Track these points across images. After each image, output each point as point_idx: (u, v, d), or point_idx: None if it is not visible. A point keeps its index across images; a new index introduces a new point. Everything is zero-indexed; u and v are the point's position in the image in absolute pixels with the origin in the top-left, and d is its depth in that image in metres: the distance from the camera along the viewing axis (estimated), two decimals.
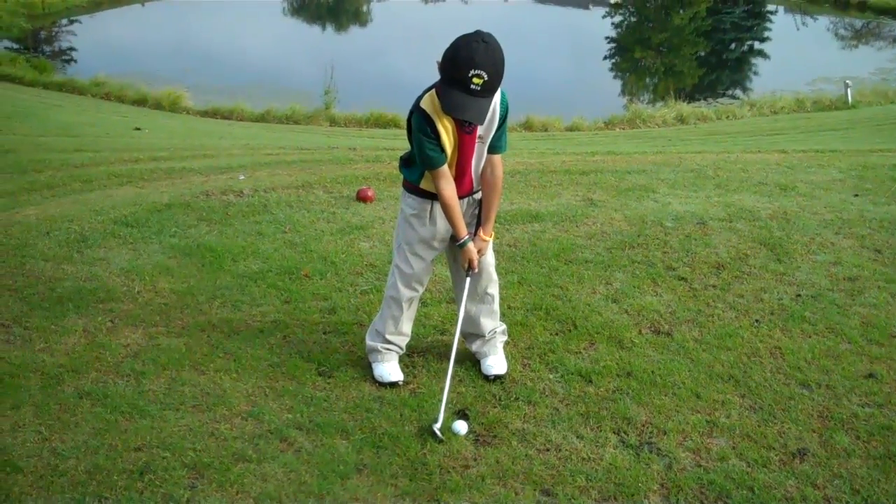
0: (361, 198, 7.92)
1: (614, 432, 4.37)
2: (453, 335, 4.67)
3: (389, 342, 4.77)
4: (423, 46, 30.82)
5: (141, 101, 22.62)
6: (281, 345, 5.12)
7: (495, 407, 4.54)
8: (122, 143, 12.62)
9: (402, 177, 4.62)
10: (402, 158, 4.60)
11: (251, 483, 3.86)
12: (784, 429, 4.41)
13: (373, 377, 4.77)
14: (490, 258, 4.77)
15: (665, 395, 4.69)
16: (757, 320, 5.56)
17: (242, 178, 8.72)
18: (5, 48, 28.66)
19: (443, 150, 4.25)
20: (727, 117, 23.30)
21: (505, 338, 5.03)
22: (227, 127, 19.42)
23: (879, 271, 6.33)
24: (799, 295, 5.93)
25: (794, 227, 7.26)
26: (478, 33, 3.99)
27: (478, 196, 4.62)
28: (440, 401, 4.37)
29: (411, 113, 4.26)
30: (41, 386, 4.55)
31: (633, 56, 34.01)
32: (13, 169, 9.22)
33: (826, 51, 33.95)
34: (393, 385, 4.70)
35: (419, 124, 4.20)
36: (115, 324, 5.27)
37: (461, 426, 4.26)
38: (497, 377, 4.79)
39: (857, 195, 8.38)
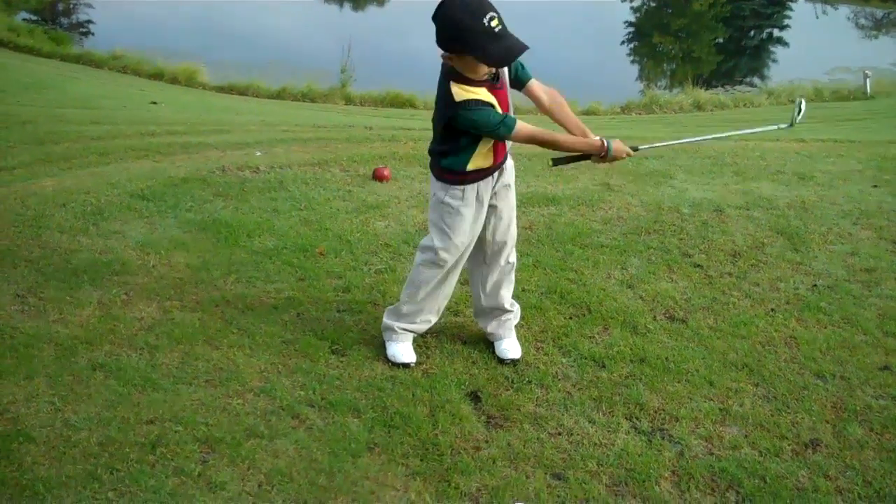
0: (377, 177, 7.90)
1: (626, 418, 4.36)
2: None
3: (418, 322, 4.77)
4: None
5: (158, 76, 22.59)
6: (294, 322, 5.12)
7: (508, 390, 4.54)
8: (139, 116, 12.59)
9: (434, 170, 4.48)
10: (434, 153, 4.44)
11: (262, 459, 3.87)
12: (797, 419, 4.40)
13: (385, 356, 4.76)
14: (514, 226, 4.72)
15: (678, 382, 4.68)
16: (772, 309, 5.54)
17: (259, 154, 8.70)
18: (23, 19, 28.64)
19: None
20: (745, 105, 23.16)
21: (518, 318, 5.00)
22: (244, 103, 19.39)
23: None
24: (815, 285, 5.90)
25: (812, 217, 7.22)
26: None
27: (506, 163, 4.53)
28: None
29: (453, 118, 4.10)
30: (55, 357, 4.56)
31: (651, 41, 33.83)
32: (30, 140, 9.21)
33: (846, 40, 33.68)
34: (405, 366, 4.68)
35: (474, 108, 4.04)
36: (130, 297, 5.28)
37: None
38: (513, 361, 4.77)
39: (875, 186, 8.32)
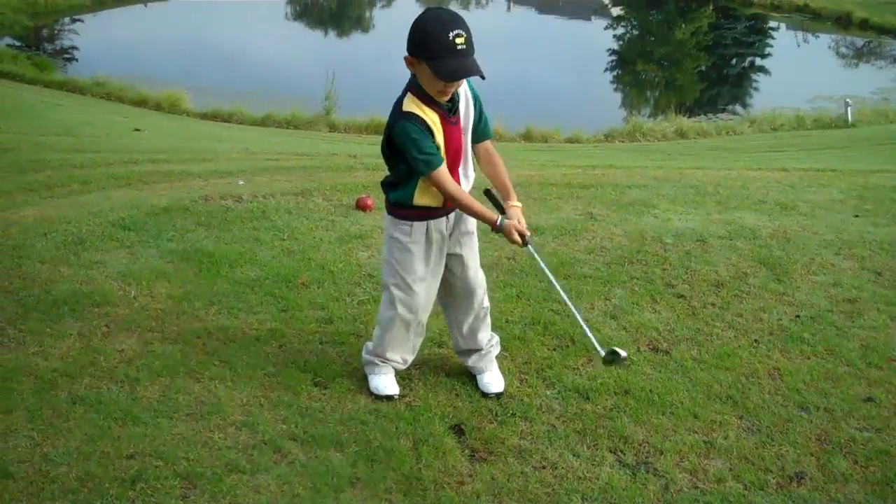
0: (361, 206, 7.89)
1: (611, 451, 4.33)
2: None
3: (389, 360, 4.73)
4: None
5: (141, 102, 22.62)
6: (277, 354, 5.08)
7: (492, 423, 4.51)
8: (122, 144, 12.58)
9: (385, 205, 4.51)
10: (385, 185, 4.46)
11: (244, 494, 3.83)
12: (782, 451, 4.39)
13: (368, 389, 4.73)
14: (481, 274, 4.73)
15: (662, 415, 4.66)
16: (756, 340, 5.54)
17: (242, 183, 8.68)
18: (7, 45, 28.64)
19: (438, 147, 4.13)
20: (727, 133, 23.36)
21: (498, 349, 4.97)
22: (227, 130, 19.40)
23: (879, 293, 6.31)
24: (798, 315, 5.91)
25: (795, 247, 7.24)
26: (429, 8, 4.10)
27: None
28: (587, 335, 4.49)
29: (391, 126, 4.14)
30: (34, 390, 4.51)
31: (634, 69, 34.09)
32: (12, 168, 9.19)
33: (827, 69, 34.01)
34: (389, 398, 4.65)
35: (410, 128, 4.06)
36: (111, 328, 5.23)
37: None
38: (496, 394, 4.74)
39: (857, 216, 8.37)
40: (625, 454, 4.31)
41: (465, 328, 4.74)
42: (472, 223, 4.58)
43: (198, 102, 22.69)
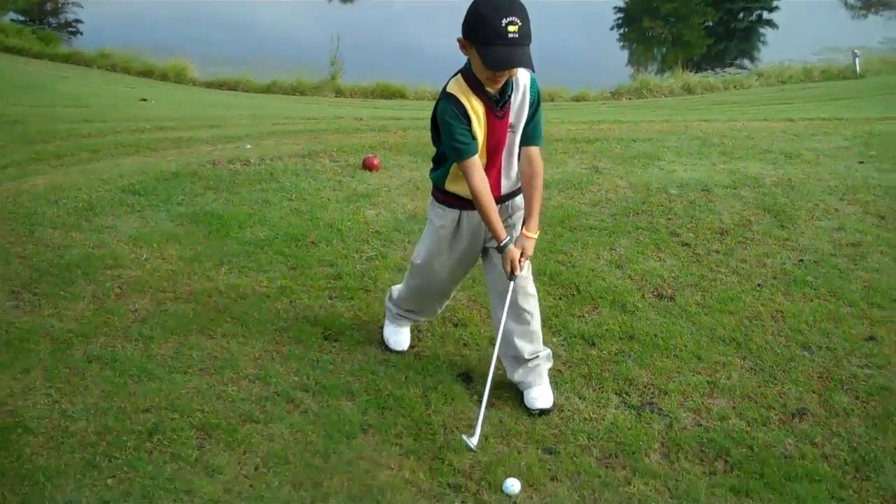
0: (367, 166, 7.96)
1: (616, 393, 4.42)
2: (492, 351, 4.14)
3: (414, 313, 4.73)
4: (430, 15, 30.77)
5: (147, 73, 22.64)
6: (287, 310, 5.17)
7: (499, 369, 4.57)
8: (129, 113, 12.63)
9: (424, 184, 4.38)
10: (432, 161, 4.28)
11: (258, 443, 3.93)
12: (784, 389, 4.47)
13: (381, 337, 4.83)
14: (526, 271, 4.29)
15: (667, 358, 4.75)
16: (759, 284, 5.61)
17: (249, 147, 8.76)
18: (11, 20, 28.63)
19: (474, 138, 3.91)
20: (735, 87, 23.26)
21: (550, 364, 4.50)
22: (233, 98, 19.43)
23: (882, 237, 6.36)
24: (802, 260, 5.97)
25: (798, 194, 7.29)
26: None
27: (510, 203, 4.27)
28: (478, 414, 3.95)
29: (437, 103, 3.95)
30: (50, 350, 4.60)
31: (641, 26, 33.88)
32: (21, 139, 9.27)
33: (835, 20, 33.73)
34: (398, 352, 4.72)
35: (447, 110, 3.87)
36: (123, 290, 5.33)
37: (514, 485, 3.72)
38: (542, 412, 4.30)
39: (861, 162, 8.40)
40: (630, 396, 4.40)
41: (502, 328, 4.20)
42: (518, 220, 4.29)
43: (203, 71, 22.71)
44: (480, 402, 3.95)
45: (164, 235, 6.16)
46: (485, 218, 4.03)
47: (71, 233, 6.16)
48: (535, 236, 4.16)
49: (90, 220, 6.40)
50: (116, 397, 4.21)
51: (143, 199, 6.90)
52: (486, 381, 3.97)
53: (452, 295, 4.77)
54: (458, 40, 3.81)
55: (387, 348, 4.75)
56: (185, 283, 5.46)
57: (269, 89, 21.75)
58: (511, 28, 3.63)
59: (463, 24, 3.76)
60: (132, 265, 5.67)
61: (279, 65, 22.59)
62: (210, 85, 22.03)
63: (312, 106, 17.67)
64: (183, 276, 5.54)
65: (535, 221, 4.14)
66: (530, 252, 4.15)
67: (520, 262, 4.07)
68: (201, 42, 25.57)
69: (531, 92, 4.01)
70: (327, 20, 30.74)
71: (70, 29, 30.25)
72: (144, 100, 15.46)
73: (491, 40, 3.66)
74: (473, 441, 3.81)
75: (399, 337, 4.77)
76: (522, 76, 3.97)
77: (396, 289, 4.79)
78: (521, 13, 3.66)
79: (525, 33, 3.67)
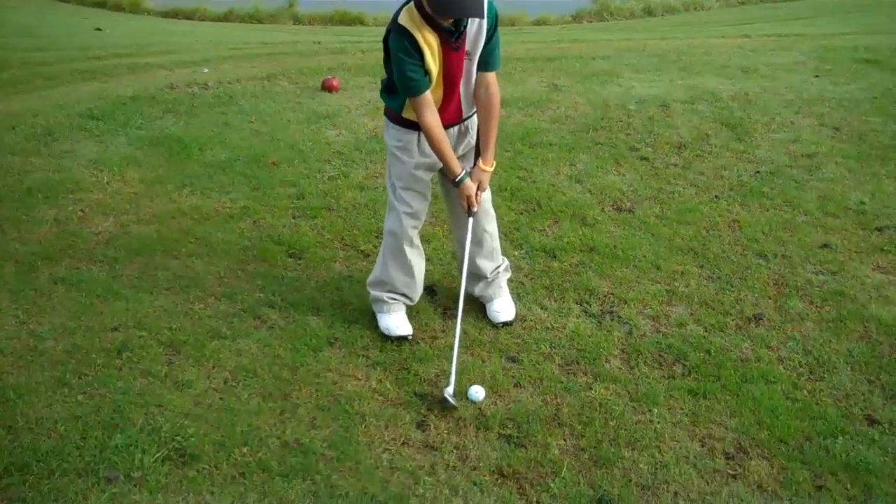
0: (327, 87, 7.93)
1: (577, 303, 4.51)
2: (458, 281, 4.13)
3: (398, 293, 4.27)
4: None
5: (101, 3, 22.20)
6: (251, 229, 5.20)
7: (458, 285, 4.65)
8: (84, 42, 12.44)
9: (383, 104, 4.15)
10: (382, 83, 4.10)
11: (227, 357, 3.98)
12: (740, 296, 4.58)
13: (377, 324, 4.37)
14: (486, 192, 4.19)
15: (626, 268, 4.84)
16: (716, 196, 5.70)
17: (206, 71, 8.68)
18: None
19: (426, 73, 3.71)
20: (695, 8, 23.22)
21: (508, 274, 4.54)
22: (190, 26, 19.13)
23: (837, 148, 6.47)
24: (758, 172, 6.07)
25: (755, 108, 7.37)
26: None
27: (469, 123, 4.10)
28: (451, 363, 3.87)
29: (388, 33, 3.73)
30: (15, 273, 4.61)
31: None
32: None
33: None
34: (402, 339, 4.23)
35: (398, 43, 3.65)
36: (86, 213, 5.32)
37: (479, 392, 3.79)
38: (505, 324, 4.35)
39: (817, 76, 8.49)
40: (590, 305, 4.49)
41: (465, 250, 4.15)
42: (468, 154, 4.17)
43: (158, 0, 22.28)
44: (452, 347, 3.91)
45: (124, 159, 6.13)
46: (438, 154, 3.90)
47: (30, 158, 6.11)
48: (491, 169, 4.07)
49: (49, 146, 6.36)
50: (84, 317, 4.24)
51: (102, 124, 6.84)
52: (457, 316, 3.97)
53: (421, 249, 4.32)
54: None
55: (390, 338, 4.23)
56: (148, 205, 5.46)
57: (226, 17, 21.44)
58: None
59: None
60: (93, 189, 5.65)
61: None
62: (166, 14, 21.66)
63: (270, 33, 17.44)
64: (145, 199, 5.54)
65: (490, 154, 4.04)
66: (486, 185, 4.08)
67: (476, 196, 4.01)
68: None
69: (488, 18, 3.76)
70: None
71: None
72: (99, 29, 15.19)
73: None
74: (449, 390, 3.76)
75: (397, 321, 4.28)
76: None
77: (371, 279, 4.39)
78: None
79: None
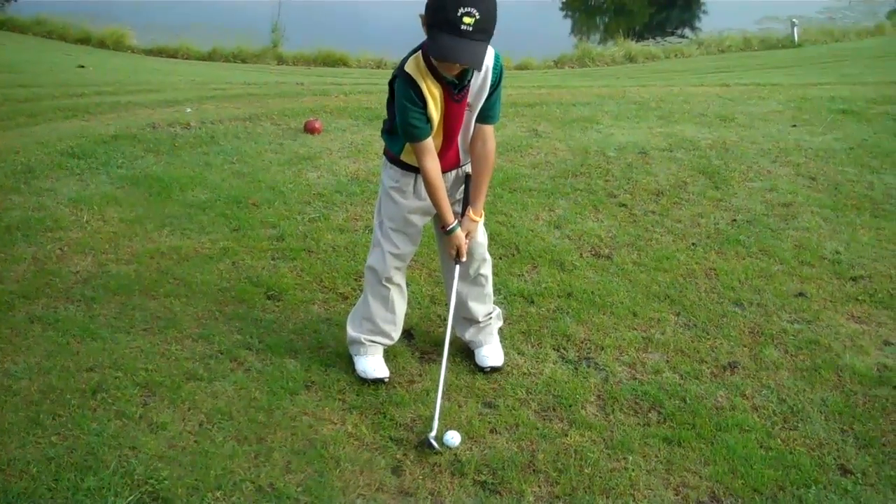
0: (309, 129, 7.97)
1: (554, 349, 4.53)
2: (445, 323, 4.15)
3: (377, 331, 4.26)
4: None
5: (84, 40, 22.20)
6: (230, 270, 5.20)
7: (440, 327, 4.66)
8: (66, 79, 12.45)
9: (384, 144, 4.14)
10: (384, 124, 4.10)
11: (202, 400, 3.97)
12: (716, 344, 4.61)
13: (347, 353, 4.40)
14: (482, 237, 4.25)
15: (603, 314, 4.87)
16: (693, 244, 5.75)
17: (189, 111, 8.71)
18: None
19: (428, 120, 3.74)
20: (675, 56, 23.50)
21: (500, 323, 4.57)
22: (173, 65, 19.17)
23: (813, 197, 6.55)
24: (735, 220, 6.13)
25: (733, 156, 7.47)
26: None
27: (465, 169, 4.12)
28: (434, 407, 3.85)
29: (394, 78, 3.77)
30: None
31: None
32: None
33: None
34: (378, 381, 4.21)
35: (403, 90, 3.69)
36: (64, 252, 5.31)
37: (454, 437, 3.78)
38: (493, 369, 4.35)
39: (794, 126, 8.61)
40: (567, 351, 4.51)
41: (458, 295, 4.22)
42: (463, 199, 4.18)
43: (142, 38, 22.33)
44: (435, 390, 3.90)
45: (104, 198, 6.13)
46: (433, 200, 3.93)
47: (10, 195, 6.11)
48: (480, 219, 4.11)
49: (29, 183, 6.36)
50: (59, 356, 4.21)
51: (83, 162, 6.85)
52: (443, 360, 3.97)
53: (404, 291, 4.34)
54: (420, 16, 3.60)
55: (367, 381, 4.21)
56: (127, 244, 5.46)
57: (209, 57, 21.50)
58: (466, 20, 3.41)
59: (427, 1, 3.56)
60: (73, 227, 5.65)
61: (219, 32, 22.29)
62: (149, 52, 21.70)
63: (254, 73, 17.53)
64: (124, 238, 5.54)
65: (480, 204, 4.08)
66: (475, 234, 4.12)
67: (462, 248, 4.05)
68: (139, 9, 25.15)
69: (493, 72, 3.82)
70: None
71: None
72: (82, 66, 15.21)
73: (442, 26, 3.46)
74: (433, 434, 3.75)
75: (374, 364, 4.27)
76: (487, 56, 3.71)
77: (350, 317, 4.39)
78: (484, 5, 3.45)
79: (482, 28, 3.46)
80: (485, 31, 3.48)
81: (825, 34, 24.69)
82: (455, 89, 3.75)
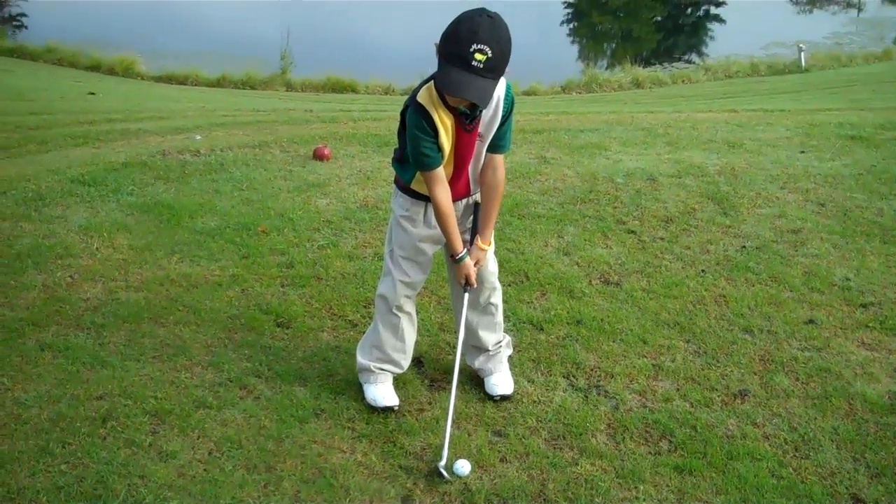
0: (318, 156, 8.00)
1: (564, 377, 4.52)
2: (454, 351, 4.16)
3: (387, 360, 4.26)
4: (381, 10, 30.72)
5: (94, 67, 22.36)
6: (239, 297, 5.21)
7: (450, 354, 4.67)
8: (77, 106, 12.53)
9: (394, 173, 4.15)
10: (395, 153, 4.11)
11: (212, 428, 3.96)
12: (726, 371, 4.59)
13: (363, 396, 4.33)
14: (492, 266, 4.29)
15: (613, 342, 4.86)
16: (703, 270, 5.75)
17: (199, 138, 8.76)
18: None
19: (440, 150, 3.76)
20: (683, 81, 23.54)
21: (510, 351, 4.59)
22: (182, 92, 19.30)
23: (822, 223, 6.54)
24: (744, 246, 6.12)
25: (741, 182, 7.47)
26: (482, 9, 3.51)
27: (475, 198, 4.14)
28: (444, 436, 3.83)
29: (406, 108, 3.80)
30: (2, 339, 4.60)
31: (590, 20, 34.10)
32: None
33: (781, 15, 34.19)
34: (388, 409, 4.20)
35: (415, 120, 3.71)
36: (75, 279, 5.33)
37: (464, 466, 3.76)
38: (503, 398, 4.34)
39: (803, 151, 8.61)
40: (577, 379, 4.50)
41: (468, 323, 4.28)
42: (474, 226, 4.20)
43: (151, 65, 22.47)
44: (445, 418, 3.89)
45: (114, 225, 6.16)
46: (443, 229, 3.95)
47: (20, 223, 6.14)
48: (488, 248, 4.13)
49: (39, 211, 6.38)
50: (69, 385, 4.22)
51: (93, 190, 6.88)
52: (452, 389, 3.95)
53: (415, 319, 4.34)
54: (435, 44, 3.61)
55: (376, 409, 4.20)
56: (137, 272, 5.48)
57: (218, 83, 21.61)
58: (478, 56, 3.44)
59: (444, 31, 3.57)
60: (83, 255, 5.67)
61: (228, 59, 22.41)
62: (158, 79, 21.83)
63: (262, 100, 17.62)
64: (134, 266, 5.55)
65: (489, 233, 4.11)
66: (483, 263, 4.14)
67: (472, 277, 4.06)
68: (149, 36, 25.30)
69: (504, 103, 3.83)
70: (277, 14, 30.54)
71: (14, 23, 29.73)
72: (92, 93, 15.32)
73: (453, 60, 3.48)
74: (442, 463, 3.75)
75: (384, 392, 4.26)
76: (498, 87, 3.72)
77: (360, 345, 4.39)
78: (498, 45, 3.48)
79: (493, 66, 3.48)
80: (495, 69, 3.51)
81: (832, 59, 24.71)
82: (467, 119, 3.76)
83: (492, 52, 3.45)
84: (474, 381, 4.43)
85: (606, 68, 27.11)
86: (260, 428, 3.99)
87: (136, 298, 5.13)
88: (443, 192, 3.85)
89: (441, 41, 3.56)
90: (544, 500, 3.60)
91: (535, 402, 4.30)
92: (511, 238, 6.16)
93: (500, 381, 4.39)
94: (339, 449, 3.88)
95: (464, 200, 4.11)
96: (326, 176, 7.49)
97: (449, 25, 3.54)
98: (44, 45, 23.69)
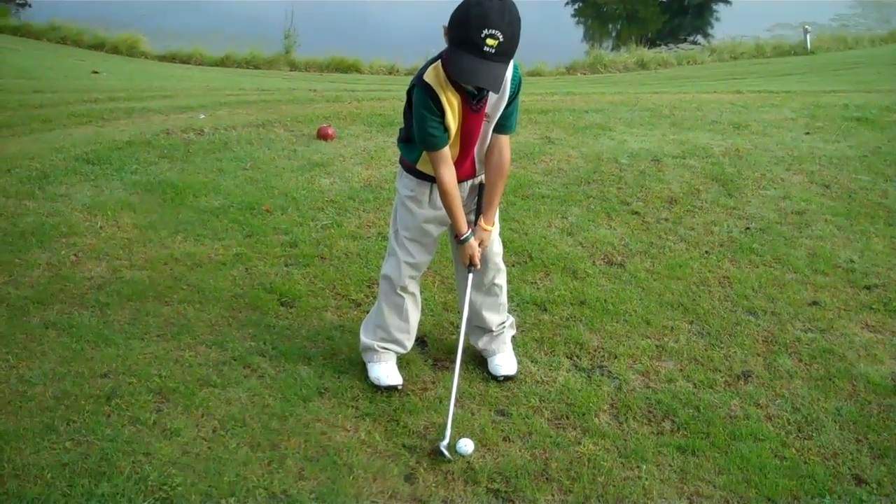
0: (322, 135, 7.99)
1: (567, 357, 4.52)
2: (458, 331, 4.16)
3: (391, 339, 4.27)
4: None
5: (98, 46, 22.34)
6: (243, 277, 5.21)
7: (453, 334, 4.68)
8: (81, 84, 12.52)
9: (398, 153, 4.13)
10: (400, 132, 4.09)
11: (216, 406, 3.97)
12: (730, 352, 4.60)
13: (361, 362, 4.39)
14: (497, 247, 4.29)
15: (617, 322, 4.86)
16: (707, 251, 5.74)
17: (203, 116, 8.75)
18: None
19: (446, 130, 3.74)
20: (688, 63, 23.49)
21: (513, 332, 4.59)
22: (186, 71, 19.28)
23: (827, 205, 6.54)
24: (748, 228, 6.12)
25: (746, 164, 7.45)
26: None
27: (480, 179, 4.12)
28: (447, 415, 3.84)
29: (412, 87, 3.77)
30: (7, 317, 4.61)
31: (595, 1, 33.94)
32: None
33: None
34: (392, 388, 4.21)
35: (422, 99, 3.67)
36: (79, 257, 5.33)
37: (467, 445, 3.77)
38: (507, 378, 4.35)
39: (808, 133, 8.59)
40: (580, 359, 4.51)
41: (472, 304, 4.27)
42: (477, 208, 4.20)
43: (155, 45, 22.45)
44: (448, 398, 3.89)
45: (118, 204, 6.16)
46: (448, 210, 3.93)
47: (24, 201, 6.14)
48: (491, 228, 4.11)
49: (43, 189, 6.38)
50: (74, 362, 4.23)
51: (97, 168, 6.88)
52: (455, 369, 3.97)
53: (418, 300, 4.35)
54: (443, 27, 3.56)
55: (380, 388, 4.21)
56: (141, 250, 5.48)
57: (222, 63, 21.58)
58: (490, 42, 3.39)
59: (452, 15, 3.51)
60: (87, 233, 5.67)
61: (233, 39, 22.37)
62: (162, 58, 21.80)
63: (266, 79, 17.59)
64: (138, 244, 5.56)
65: (492, 213, 4.09)
66: (487, 244, 4.12)
67: (476, 257, 4.06)
68: (153, 15, 25.26)
69: (512, 83, 3.79)
70: None
71: (19, 1, 29.65)
72: (96, 72, 15.29)
73: (464, 46, 3.44)
74: (444, 443, 3.76)
75: (387, 371, 4.27)
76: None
77: (364, 324, 4.39)
78: (508, 28, 3.43)
79: (504, 50, 3.44)
80: (506, 52, 3.46)
81: (838, 41, 24.65)
82: (473, 99, 3.73)
83: (503, 37, 3.40)
84: (478, 360, 4.43)
85: (612, 49, 27.04)
86: (264, 406, 4.00)
87: (140, 277, 5.13)
88: (448, 173, 3.82)
89: (450, 26, 3.51)
90: (547, 479, 3.61)
91: (538, 382, 4.30)
92: (515, 218, 6.15)
93: (504, 362, 4.40)
94: (343, 427, 3.89)
95: (469, 181, 4.09)
96: (330, 155, 7.48)
97: (457, 9, 3.48)
98: (48, 23, 23.65)
